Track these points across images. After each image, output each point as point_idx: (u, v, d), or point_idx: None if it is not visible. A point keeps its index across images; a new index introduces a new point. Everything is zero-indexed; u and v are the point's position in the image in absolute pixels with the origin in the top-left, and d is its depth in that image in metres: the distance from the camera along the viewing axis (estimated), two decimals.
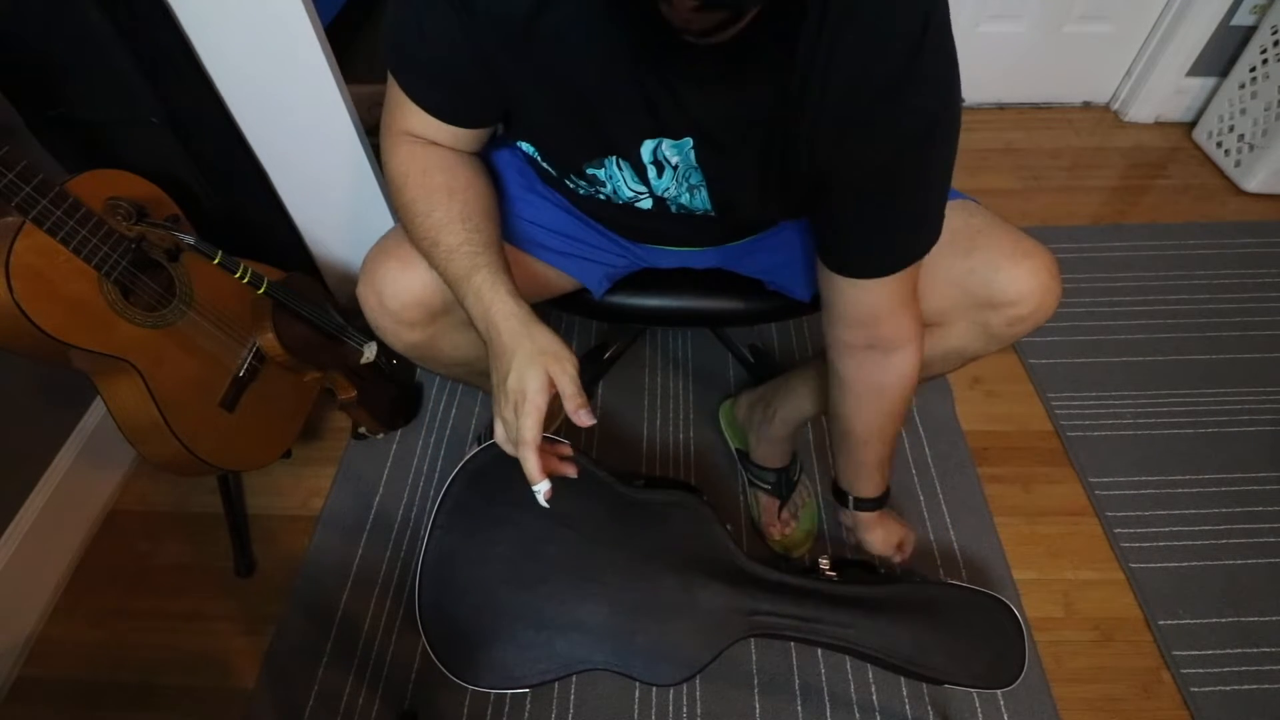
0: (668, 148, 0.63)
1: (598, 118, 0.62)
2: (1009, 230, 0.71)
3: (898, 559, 0.92)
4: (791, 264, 0.83)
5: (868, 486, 0.86)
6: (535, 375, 0.58)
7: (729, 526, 0.88)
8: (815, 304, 0.85)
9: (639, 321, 0.94)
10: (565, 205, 0.83)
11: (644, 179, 0.67)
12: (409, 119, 0.67)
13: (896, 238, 0.64)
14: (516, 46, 0.58)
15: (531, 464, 0.59)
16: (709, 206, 0.68)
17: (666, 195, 0.69)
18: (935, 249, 0.70)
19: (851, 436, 0.81)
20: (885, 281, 0.65)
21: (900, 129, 0.55)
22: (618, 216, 0.80)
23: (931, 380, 0.86)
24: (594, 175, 0.69)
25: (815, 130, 0.57)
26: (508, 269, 0.64)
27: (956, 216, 0.72)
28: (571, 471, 0.66)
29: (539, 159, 0.73)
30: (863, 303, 0.68)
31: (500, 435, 0.62)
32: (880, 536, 0.90)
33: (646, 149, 0.64)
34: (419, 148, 0.68)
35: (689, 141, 0.62)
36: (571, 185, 0.74)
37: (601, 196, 0.73)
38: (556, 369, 0.58)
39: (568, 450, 0.67)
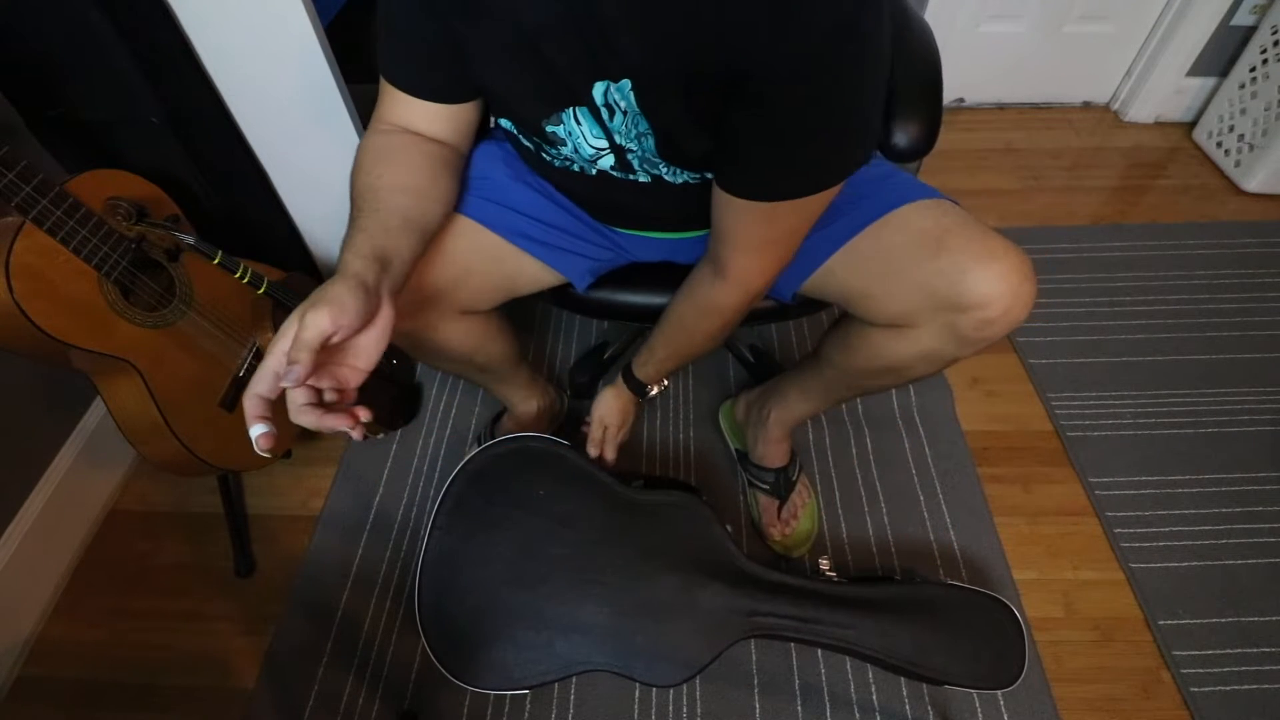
0: (615, 90, 0.63)
1: (550, 65, 0.63)
2: (980, 230, 0.69)
3: (593, 447, 0.99)
4: None
5: (639, 365, 0.93)
6: (290, 321, 0.53)
7: (729, 527, 0.88)
8: (799, 306, 0.86)
9: (625, 318, 0.94)
10: (549, 193, 0.83)
11: (602, 125, 0.68)
12: (392, 109, 0.71)
13: (763, 169, 0.63)
14: (467, 6, 0.62)
15: (248, 405, 0.54)
16: (657, 153, 0.68)
17: (620, 142, 0.69)
18: (903, 248, 0.71)
19: (661, 320, 0.86)
20: (744, 207, 0.65)
21: (811, 29, 0.53)
22: (592, 193, 0.80)
23: (918, 381, 0.85)
24: (554, 134, 0.70)
25: (728, 35, 0.55)
26: (384, 227, 0.63)
27: (928, 215, 0.71)
28: (348, 426, 0.57)
29: (516, 133, 0.74)
30: (718, 214, 0.69)
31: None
32: (604, 407, 0.99)
33: (598, 91, 0.64)
34: (381, 136, 0.71)
35: (628, 83, 0.62)
36: (548, 158, 0.75)
37: (575, 167, 0.74)
38: (310, 314, 0.52)
39: (362, 414, 0.58)
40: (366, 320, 0.56)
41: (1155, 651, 0.97)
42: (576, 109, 0.67)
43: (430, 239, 0.70)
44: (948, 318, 0.68)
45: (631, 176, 0.73)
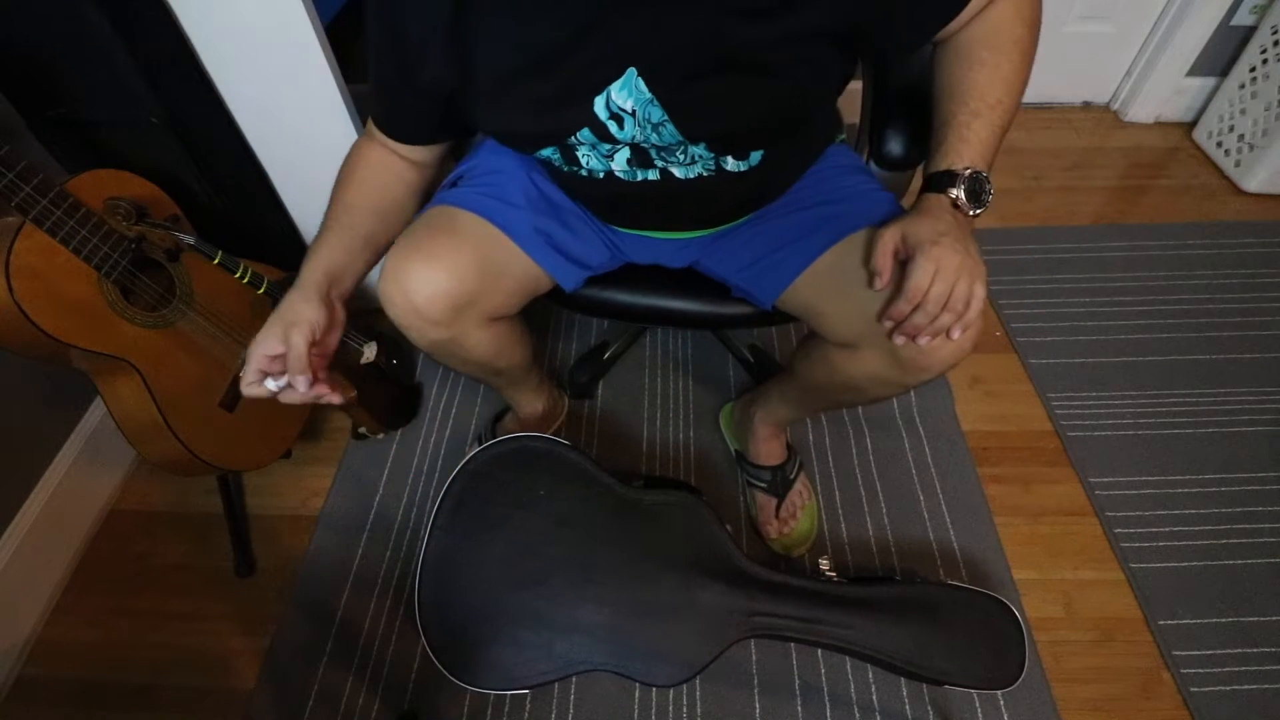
0: (617, 93, 0.63)
1: (551, 95, 0.64)
2: None
3: (949, 325, 0.63)
4: (756, 264, 0.83)
5: (948, 154, 0.67)
6: (268, 335, 0.66)
7: (729, 528, 0.88)
8: (779, 314, 0.85)
9: (618, 316, 0.94)
10: (552, 189, 0.83)
11: (612, 140, 0.68)
12: (383, 136, 0.77)
13: None
14: (450, 71, 0.64)
15: (250, 361, 0.66)
16: (678, 135, 0.67)
17: (636, 140, 0.68)
18: (854, 270, 0.70)
19: (937, 103, 0.71)
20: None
21: None
22: (599, 193, 0.80)
23: (873, 404, 0.85)
24: (575, 155, 0.72)
25: None
26: (346, 248, 0.74)
27: (868, 246, 0.70)
28: (335, 399, 0.69)
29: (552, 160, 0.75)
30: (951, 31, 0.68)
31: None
32: (927, 237, 0.63)
33: (599, 106, 0.64)
34: (371, 151, 0.77)
35: (632, 73, 0.61)
36: (558, 167, 0.75)
37: (584, 173, 0.74)
38: (294, 335, 0.65)
39: (339, 397, 0.70)
40: (328, 324, 0.69)
41: (1155, 651, 0.97)
42: (580, 133, 0.67)
43: (384, 251, 0.78)
44: (888, 343, 0.68)
45: (641, 175, 0.73)
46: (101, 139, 1.02)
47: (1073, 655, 0.97)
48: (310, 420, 1.16)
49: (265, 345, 0.65)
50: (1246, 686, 0.93)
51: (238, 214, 1.14)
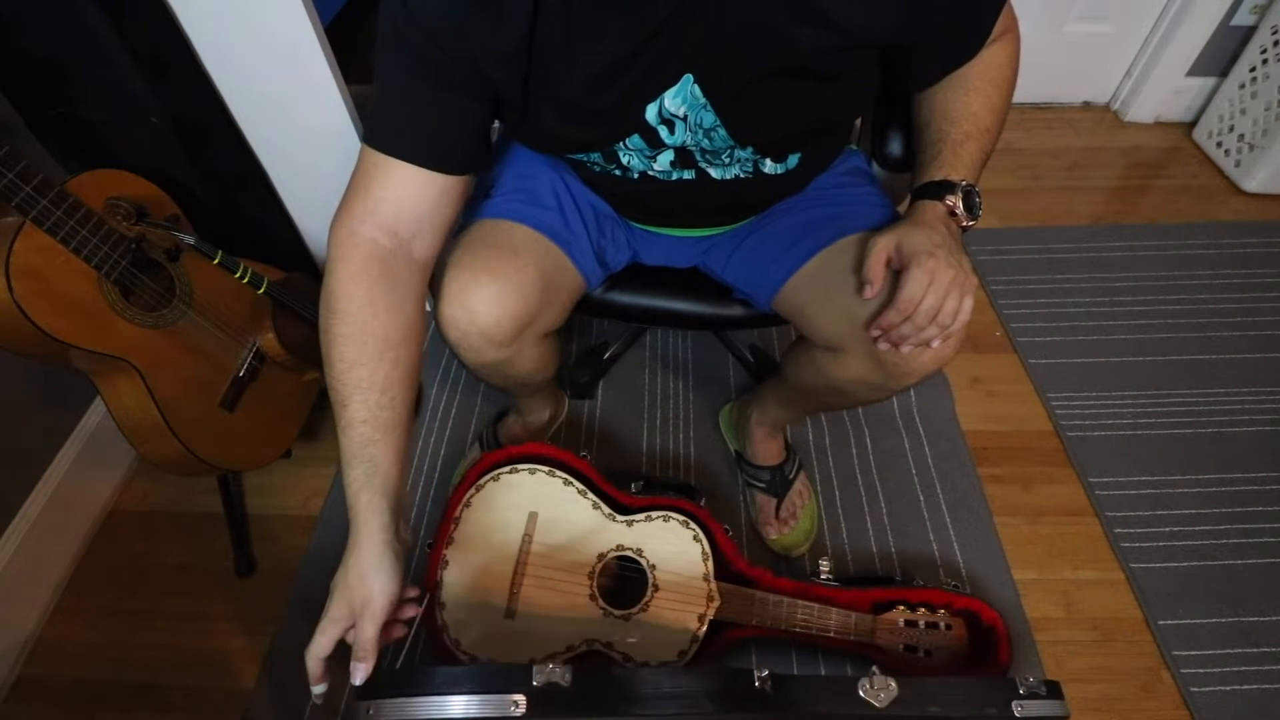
0: (670, 99, 0.62)
1: (605, 106, 0.63)
2: None
3: (933, 337, 0.63)
4: (756, 266, 0.83)
5: (940, 169, 0.69)
6: (329, 622, 0.60)
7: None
8: (778, 316, 0.86)
9: (623, 318, 0.94)
10: (575, 185, 0.83)
11: (659, 144, 0.67)
12: (378, 192, 0.65)
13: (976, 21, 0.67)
14: (517, 74, 0.61)
15: (312, 667, 0.61)
16: (729, 140, 0.67)
17: (686, 144, 0.68)
18: (840, 273, 0.71)
19: (928, 121, 0.72)
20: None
21: None
22: (629, 189, 0.78)
23: (863, 406, 0.85)
24: (620, 159, 0.71)
25: None
26: (397, 462, 0.63)
27: (857, 251, 0.70)
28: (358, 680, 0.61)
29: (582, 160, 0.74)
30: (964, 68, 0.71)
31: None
32: (923, 247, 0.61)
33: (651, 112, 0.64)
34: (374, 264, 0.63)
35: (689, 79, 0.61)
36: (589, 165, 0.75)
37: (616, 172, 0.73)
38: (365, 624, 0.60)
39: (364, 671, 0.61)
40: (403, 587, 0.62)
41: (1155, 651, 0.97)
42: (629, 139, 0.67)
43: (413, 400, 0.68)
44: (870, 347, 0.68)
45: (678, 175, 0.73)
46: (101, 139, 1.02)
47: (1073, 655, 0.97)
48: (310, 420, 1.16)
49: (321, 644, 0.58)
50: (1246, 686, 0.93)
51: (238, 214, 1.14)
